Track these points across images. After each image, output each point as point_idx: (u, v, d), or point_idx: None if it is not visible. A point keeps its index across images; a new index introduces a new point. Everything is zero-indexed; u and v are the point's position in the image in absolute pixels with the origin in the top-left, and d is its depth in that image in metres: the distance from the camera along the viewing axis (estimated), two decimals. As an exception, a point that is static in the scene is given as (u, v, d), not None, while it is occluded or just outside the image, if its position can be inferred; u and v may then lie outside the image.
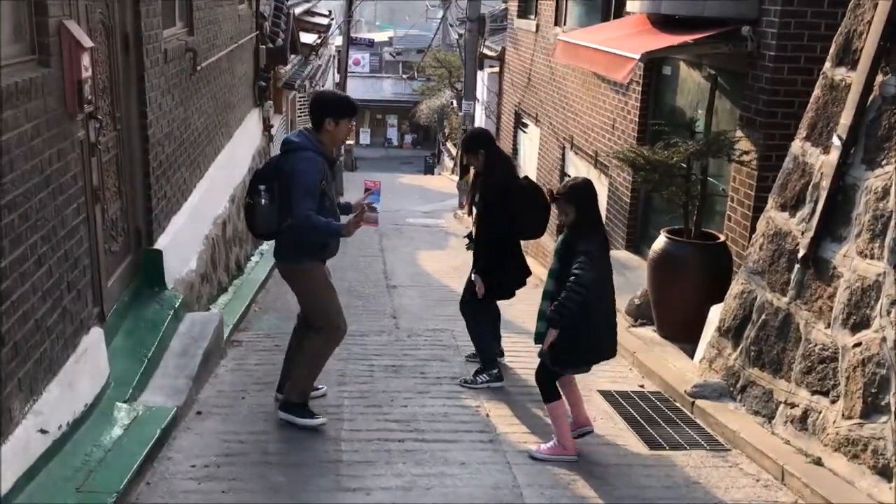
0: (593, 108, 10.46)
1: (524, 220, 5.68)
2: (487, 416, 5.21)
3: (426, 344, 6.79)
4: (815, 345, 4.53)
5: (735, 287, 5.57)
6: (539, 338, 4.47)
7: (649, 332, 7.01)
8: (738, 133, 6.64)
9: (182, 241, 6.65)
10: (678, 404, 5.55)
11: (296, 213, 4.56)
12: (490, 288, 5.72)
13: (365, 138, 46.48)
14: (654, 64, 8.79)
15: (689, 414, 5.37)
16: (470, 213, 6.29)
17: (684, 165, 6.54)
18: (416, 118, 39.34)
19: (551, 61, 12.51)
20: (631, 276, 8.58)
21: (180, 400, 4.83)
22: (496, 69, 18.39)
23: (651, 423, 5.20)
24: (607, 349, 4.65)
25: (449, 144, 32.72)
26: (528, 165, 13.76)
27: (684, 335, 6.69)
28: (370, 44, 30.30)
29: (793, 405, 4.64)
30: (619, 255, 9.26)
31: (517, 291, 5.98)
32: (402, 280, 9.61)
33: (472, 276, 5.81)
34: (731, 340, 5.45)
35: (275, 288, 8.81)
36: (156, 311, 5.63)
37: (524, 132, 14.94)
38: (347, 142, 39.50)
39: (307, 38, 20.56)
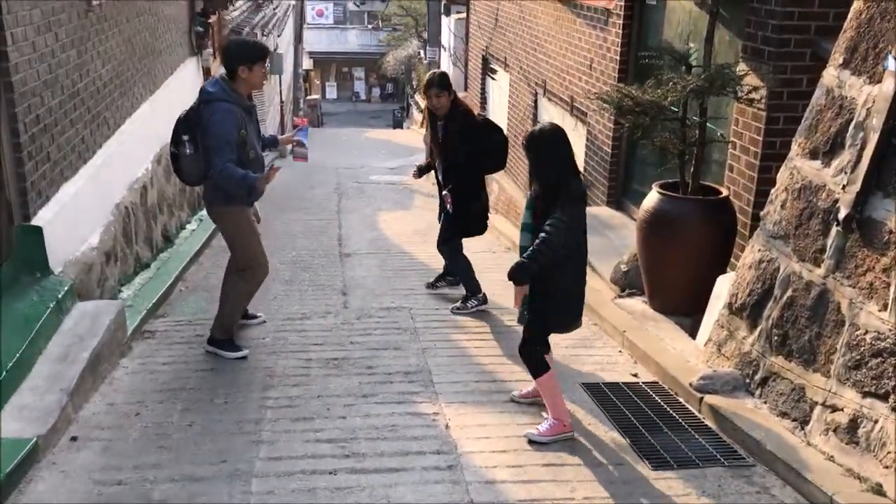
0: (567, 48, 9.30)
1: (486, 154, 6.02)
2: (447, 427, 4.15)
3: (378, 327, 5.71)
4: (866, 332, 3.50)
5: (750, 254, 4.52)
6: (522, 317, 4.18)
7: (639, 304, 5.98)
8: (742, 67, 5.55)
9: (77, 213, 5.49)
10: (682, 400, 4.53)
11: (214, 165, 4.68)
12: (465, 219, 6.13)
13: (331, 93, 45.00)
14: (637, -8, 7.66)
15: (696, 414, 4.35)
16: (430, 156, 6.39)
17: (675, 109, 5.45)
18: (383, 70, 37.91)
19: (520, -2, 11.29)
20: (614, 236, 7.54)
21: (46, 425, 3.73)
22: (462, 15, 17.10)
23: (651, 429, 4.18)
24: (581, 307, 4.30)
25: (417, 97, 31.40)
26: (498, 115, 12.59)
27: (682, 308, 5.67)
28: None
29: (835, 408, 3.62)
30: (599, 211, 8.21)
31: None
32: (357, 247, 8.50)
33: (445, 193, 6.16)
34: (747, 321, 4.42)
35: (208, 261, 7.68)
36: (31, 304, 4.50)
37: (493, 79, 13.74)
38: (313, 96, 38.27)
39: (260, -17, 19.15)
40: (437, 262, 7.17)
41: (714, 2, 5.53)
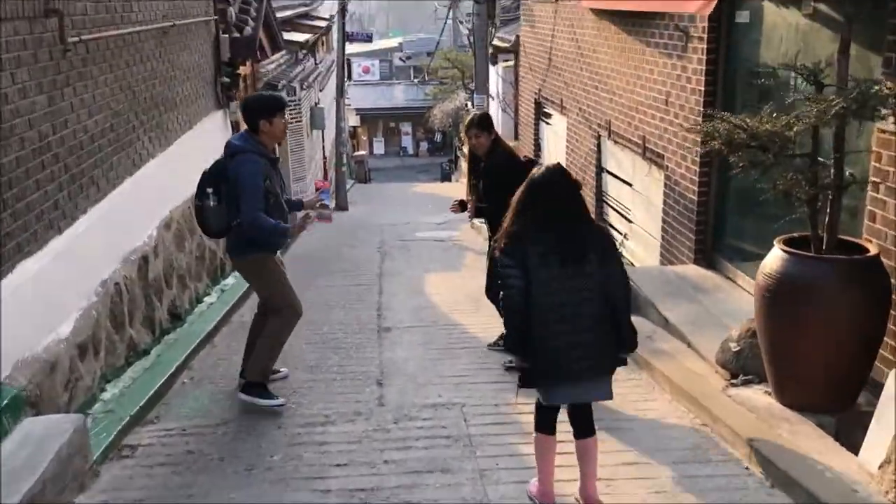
0: (636, 83, 8.06)
1: None
2: None
3: (421, 436, 4.41)
4: None
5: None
6: None
7: (761, 396, 4.59)
8: (889, 85, 4.21)
9: (40, 297, 4.35)
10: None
11: (244, 215, 4.76)
12: None
13: (379, 148, 44.46)
14: (722, 9, 6.40)
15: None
16: (470, 196, 6.04)
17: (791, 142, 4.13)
18: (430, 123, 37.17)
19: (577, 33, 10.12)
20: (708, 302, 6.16)
21: None
22: (510, 63, 16.03)
23: None
24: (576, 368, 3.50)
25: (465, 149, 30.43)
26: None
27: (822, 403, 4.30)
28: (369, 38, 28.15)
29: None
30: (685, 271, 6.87)
31: None
32: (399, 318, 7.25)
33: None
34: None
35: (224, 342, 6.50)
36: (-51, 429, 3.31)
37: (547, 123, 12.55)
38: (360, 152, 37.64)
39: (300, 37, 18.43)
40: (493, 333, 5.96)
41: (851, 2, 4.22)
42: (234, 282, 8.61)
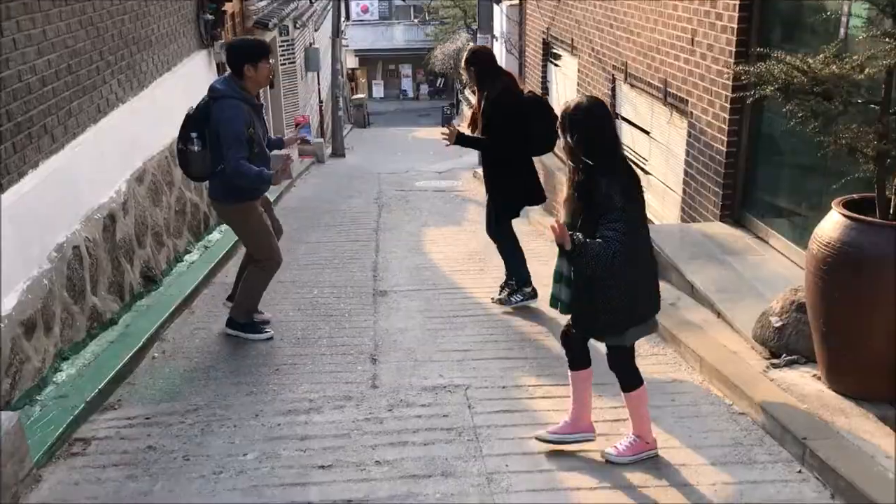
0: (657, 20, 7.30)
1: (530, 136, 5.49)
2: None
3: (419, 427, 3.82)
4: None
5: None
6: (555, 302, 3.51)
7: (808, 380, 4.00)
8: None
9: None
10: None
11: (227, 161, 4.73)
12: (504, 206, 5.71)
13: (378, 91, 43.38)
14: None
15: None
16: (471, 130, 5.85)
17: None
18: (431, 66, 36.06)
19: (591, -36, 9.29)
20: (741, 265, 5.54)
21: None
22: (516, 1, 15.11)
23: None
24: (657, 301, 3.57)
25: (467, 92, 29.49)
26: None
27: (884, 391, 3.70)
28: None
29: None
30: (710, 229, 6.24)
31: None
32: (397, 281, 6.64)
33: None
34: None
35: (204, 307, 5.91)
36: None
37: (556, 65, 11.76)
38: (359, 95, 36.63)
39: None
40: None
41: None
42: (219, 237, 7.99)
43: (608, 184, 3.24)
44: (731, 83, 6.01)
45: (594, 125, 3.34)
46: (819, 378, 3.98)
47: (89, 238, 5.05)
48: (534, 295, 5.68)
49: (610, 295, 3.34)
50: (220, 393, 4.34)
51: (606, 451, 3.55)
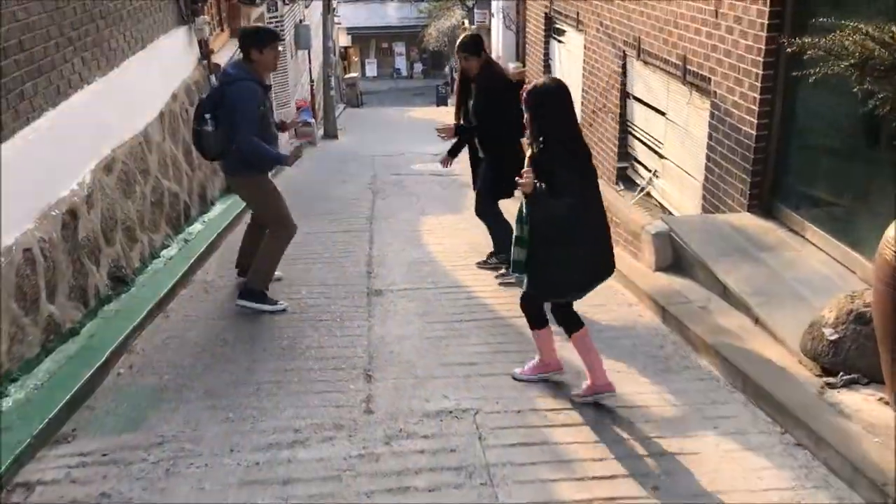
0: (677, -11, 6.68)
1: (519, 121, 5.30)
2: None
3: (421, 467, 3.25)
4: None
5: None
6: (517, 266, 3.87)
7: (876, 405, 3.44)
8: None
9: None
10: None
11: (241, 139, 5.04)
12: (496, 180, 5.82)
13: (371, 70, 42.60)
14: None
15: None
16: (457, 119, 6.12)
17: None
18: (425, 44, 35.29)
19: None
20: (775, 263, 4.98)
21: None
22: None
23: None
24: (601, 272, 3.93)
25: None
26: (570, 87, 9.97)
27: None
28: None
29: None
30: (739, 221, 5.66)
31: None
32: (393, 278, 6.05)
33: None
34: None
35: (180, 310, 5.33)
36: None
37: (559, 42, 11.11)
38: (351, 74, 35.83)
39: (281, -54, 16.71)
40: (504, 296, 4.97)
41: None
42: (201, 228, 7.39)
43: (560, 161, 3.63)
44: (761, 59, 5.42)
45: (551, 105, 3.74)
46: (888, 403, 3.42)
47: (44, 238, 4.45)
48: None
49: (550, 258, 3.74)
50: (190, 419, 3.76)
51: (514, 370, 4.18)
